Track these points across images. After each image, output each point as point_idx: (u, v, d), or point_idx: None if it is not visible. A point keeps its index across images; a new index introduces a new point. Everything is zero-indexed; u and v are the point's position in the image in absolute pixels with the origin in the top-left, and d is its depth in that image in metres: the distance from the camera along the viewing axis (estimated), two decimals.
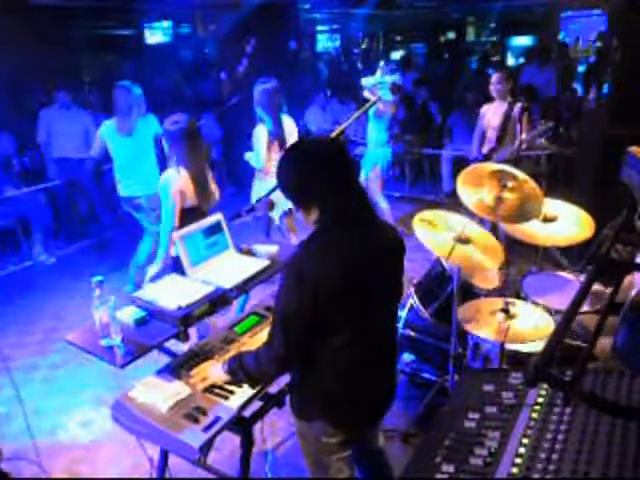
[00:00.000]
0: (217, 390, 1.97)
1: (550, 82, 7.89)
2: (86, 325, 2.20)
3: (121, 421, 1.91)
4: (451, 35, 14.27)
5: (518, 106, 4.47)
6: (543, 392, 1.48)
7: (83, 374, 3.54)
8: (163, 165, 3.15)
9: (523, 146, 3.90)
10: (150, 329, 2.18)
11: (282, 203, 3.49)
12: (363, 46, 14.30)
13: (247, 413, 2.03)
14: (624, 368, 1.60)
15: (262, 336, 2.30)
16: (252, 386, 1.91)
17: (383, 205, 5.38)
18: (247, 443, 2.06)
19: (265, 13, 7.76)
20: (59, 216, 6.04)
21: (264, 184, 4.00)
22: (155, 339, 2.12)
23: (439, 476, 1.27)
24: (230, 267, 2.60)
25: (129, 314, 2.22)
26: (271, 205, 3.10)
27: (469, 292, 3.03)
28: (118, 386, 3.00)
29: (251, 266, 2.60)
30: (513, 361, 2.64)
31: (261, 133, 3.98)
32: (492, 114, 4.83)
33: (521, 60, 11.04)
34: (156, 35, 10.29)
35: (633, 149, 1.88)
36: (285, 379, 1.95)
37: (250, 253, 2.78)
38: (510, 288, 3.28)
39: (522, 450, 1.29)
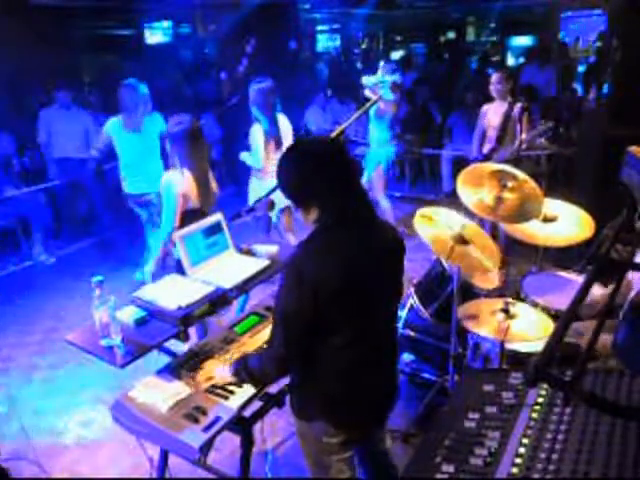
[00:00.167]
0: (217, 390, 1.97)
1: (550, 82, 7.90)
2: (86, 325, 2.20)
3: (121, 421, 1.91)
4: (451, 35, 14.28)
5: (518, 106, 4.47)
6: (543, 392, 1.47)
7: (83, 374, 3.54)
8: (168, 163, 3.14)
9: (523, 146, 3.90)
10: (150, 329, 2.18)
11: (279, 201, 3.49)
12: (363, 46, 14.30)
13: (247, 413, 2.03)
14: (624, 368, 1.60)
15: (262, 336, 2.31)
16: (255, 387, 1.92)
17: (385, 204, 5.38)
18: (247, 443, 2.06)
19: (265, 13, 7.77)
20: (59, 216, 6.04)
21: (262, 183, 4.01)
22: (155, 339, 2.12)
23: (439, 476, 1.27)
24: (230, 267, 2.60)
25: (129, 314, 2.22)
26: (271, 205, 3.09)
27: (469, 292, 3.03)
28: (118, 386, 3.00)
29: (251, 266, 2.60)
30: (513, 361, 2.64)
31: (257, 132, 4.00)
32: (492, 114, 4.83)
33: (521, 60, 11.04)
34: (156, 35, 10.28)
35: (633, 149, 1.88)
36: (285, 379, 1.95)
37: (250, 253, 2.78)
38: (510, 288, 3.28)
39: (522, 450, 1.29)
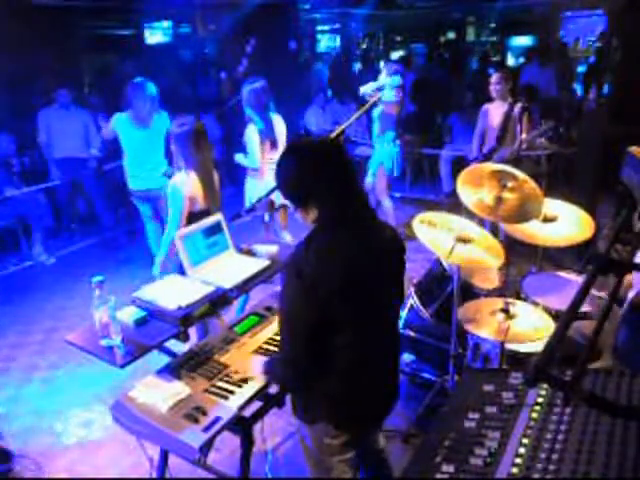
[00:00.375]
0: (217, 390, 1.97)
1: (550, 82, 7.90)
2: (86, 325, 2.20)
3: (121, 421, 1.91)
4: (451, 35, 14.28)
5: (518, 106, 4.47)
6: (543, 392, 1.47)
7: (83, 374, 3.54)
8: (172, 161, 3.14)
9: (523, 146, 3.90)
10: (150, 329, 2.19)
11: (275, 199, 3.50)
12: (363, 46, 14.29)
13: (247, 413, 2.03)
14: (624, 368, 1.60)
15: (262, 336, 2.31)
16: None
17: (387, 204, 5.38)
18: (247, 443, 2.06)
19: (265, 13, 7.76)
20: (59, 216, 6.05)
21: (259, 183, 4.02)
22: (155, 339, 2.13)
23: (439, 476, 1.27)
24: (230, 267, 2.60)
25: (129, 314, 2.22)
26: (271, 205, 3.10)
27: (469, 292, 3.03)
28: (118, 386, 3.01)
29: (251, 266, 2.60)
30: (513, 361, 2.64)
31: (253, 133, 4.00)
32: (492, 114, 4.83)
33: (521, 60, 11.04)
34: (156, 35, 10.28)
35: (633, 149, 1.89)
36: None
37: (250, 253, 2.78)
38: (510, 288, 3.27)
39: (522, 450, 1.29)
